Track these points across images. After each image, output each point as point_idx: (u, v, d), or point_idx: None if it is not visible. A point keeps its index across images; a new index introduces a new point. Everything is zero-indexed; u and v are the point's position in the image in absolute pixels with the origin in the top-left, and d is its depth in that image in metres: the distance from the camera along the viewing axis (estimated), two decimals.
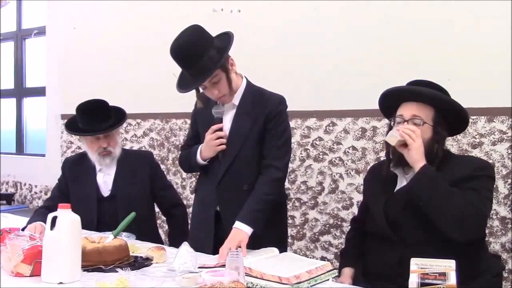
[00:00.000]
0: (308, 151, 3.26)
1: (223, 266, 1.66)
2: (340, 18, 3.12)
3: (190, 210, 2.58)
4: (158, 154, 3.91)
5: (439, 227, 1.78)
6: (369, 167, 2.43)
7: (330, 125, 3.19)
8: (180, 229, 2.70)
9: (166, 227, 3.01)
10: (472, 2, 2.73)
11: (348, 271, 2.03)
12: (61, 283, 1.66)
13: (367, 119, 3.06)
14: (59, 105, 4.47)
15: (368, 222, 2.06)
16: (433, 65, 2.79)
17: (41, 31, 4.89)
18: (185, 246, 1.81)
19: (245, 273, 1.61)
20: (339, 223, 3.16)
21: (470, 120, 2.02)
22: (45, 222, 1.78)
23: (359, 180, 3.05)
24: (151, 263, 1.94)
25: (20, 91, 5.27)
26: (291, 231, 3.27)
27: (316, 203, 3.24)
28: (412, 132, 1.84)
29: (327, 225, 3.20)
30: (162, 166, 3.44)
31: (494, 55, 2.69)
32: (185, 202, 3.13)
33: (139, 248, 2.10)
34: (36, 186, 4.88)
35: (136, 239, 2.29)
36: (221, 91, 2.10)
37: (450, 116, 1.93)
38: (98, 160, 2.62)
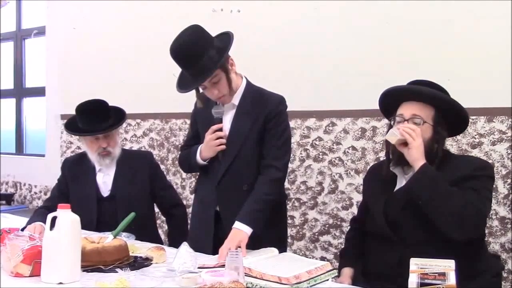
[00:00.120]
0: (307, 151, 3.26)
1: (223, 266, 1.66)
2: (340, 18, 3.12)
3: (190, 210, 2.58)
4: (157, 154, 3.91)
5: (438, 227, 1.78)
6: (368, 167, 2.43)
7: (330, 125, 3.19)
8: (180, 229, 2.70)
9: (166, 227, 3.01)
10: (472, 2, 2.73)
11: (347, 271, 2.03)
12: (60, 283, 1.66)
13: (366, 119, 3.06)
14: (59, 105, 4.47)
15: (367, 222, 2.06)
16: (433, 65, 2.79)
17: (40, 31, 4.89)
18: (185, 246, 1.81)
19: (245, 273, 1.61)
20: (338, 223, 3.16)
21: (470, 120, 2.02)
22: (44, 222, 1.78)
23: (359, 180, 3.05)
24: (151, 263, 1.94)
25: (20, 91, 5.27)
26: (290, 231, 3.27)
27: (315, 203, 3.24)
28: (412, 131, 1.84)
29: (327, 225, 3.20)
30: (162, 166, 3.43)
31: (494, 55, 2.69)
32: (185, 202, 3.13)
33: (139, 248, 2.10)
34: (35, 186, 4.88)
35: (135, 239, 2.29)
36: (221, 91, 2.10)
37: (450, 116, 1.93)
38: (98, 160, 2.61)
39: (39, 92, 4.90)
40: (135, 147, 4.04)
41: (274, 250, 2.03)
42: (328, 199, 3.19)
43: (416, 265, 1.47)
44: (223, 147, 2.15)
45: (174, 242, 2.38)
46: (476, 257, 1.86)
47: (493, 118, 2.73)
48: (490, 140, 2.74)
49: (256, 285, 1.65)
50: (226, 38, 2.09)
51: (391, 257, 1.86)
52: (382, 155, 2.94)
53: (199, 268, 1.78)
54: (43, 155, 4.82)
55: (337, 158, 3.16)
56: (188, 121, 2.66)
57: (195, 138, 2.32)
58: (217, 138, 2.14)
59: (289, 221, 3.22)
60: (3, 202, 4.82)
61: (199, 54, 1.99)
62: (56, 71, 4.54)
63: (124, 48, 4.05)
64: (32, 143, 5.23)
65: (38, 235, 1.99)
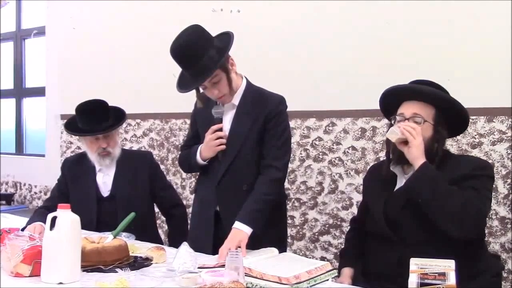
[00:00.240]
0: (307, 151, 3.26)
1: (223, 266, 1.66)
2: (340, 18, 3.12)
3: (190, 210, 2.58)
4: (157, 154, 3.91)
5: (438, 225, 1.78)
6: (368, 167, 2.43)
7: (330, 125, 3.19)
8: (180, 229, 2.70)
9: (166, 227, 3.01)
10: (472, 2, 2.73)
11: (347, 271, 2.03)
12: (60, 283, 1.66)
13: (366, 119, 3.06)
14: (59, 105, 4.47)
15: (367, 222, 2.06)
16: (433, 65, 2.79)
17: (40, 31, 4.89)
18: (185, 246, 1.81)
19: (245, 273, 1.61)
20: (338, 223, 3.16)
21: (470, 120, 2.02)
22: (44, 222, 1.78)
23: (359, 180, 3.04)
24: (151, 263, 1.94)
25: (20, 91, 5.27)
26: (290, 231, 3.27)
27: (315, 203, 3.24)
28: (413, 129, 1.85)
29: (327, 225, 3.20)
30: (162, 166, 3.43)
31: (494, 55, 2.69)
32: (185, 202, 3.13)
33: (139, 248, 2.10)
34: (35, 186, 4.87)
35: (135, 239, 2.29)
36: (221, 91, 2.10)
37: (450, 116, 1.93)
38: (98, 161, 2.61)
39: (39, 92, 4.90)
40: (135, 147, 4.04)
41: (274, 250, 2.03)
42: (328, 199, 3.19)
43: (416, 265, 1.47)
44: (223, 147, 2.15)
45: (174, 242, 2.38)
46: (476, 257, 1.86)
47: (493, 118, 2.73)
48: (490, 140, 2.74)
49: (256, 285, 1.65)
50: (226, 38, 2.09)
51: (391, 257, 1.86)
52: (382, 155, 2.94)
53: (199, 268, 1.78)
54: (43, 155, 4.82)
55: (337, 158, 3.16)
56: (188, 121, 2.66)
57: (195, 138, 2.32)
58: (217, 138, 2.14)
59: (289, 221, 3.22)
60: (3, 202, 4.82)
61: (199, 54, 1.99)
62: (56, 71, 4.54)
63: (124, 48, 4.05)
64: (32, 143, 5.23)
65: (38, 235, 1.99)
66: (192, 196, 2.56)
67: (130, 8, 4.01)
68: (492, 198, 1.97)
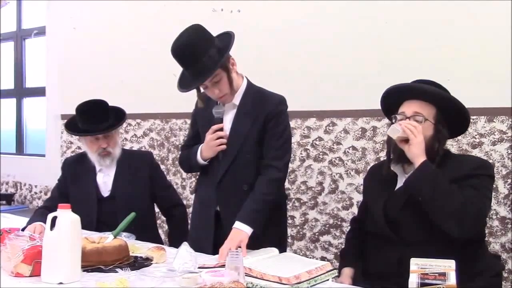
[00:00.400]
0: (308, 151, 3.26)
1: (223, 266, 1.66)
2: (340, 18, 3.12)
3: (190, 210, 2.58)
4: (158, 154, 3.91)
5: (438, 224, 1.78)
6: (369, 167, 2.43)
7: (330, 125, 3.19)
8: (180, 229, 2.70)
9: (166, 227, 3.01)
10: (472, 2, 2.73)
11: (348, 271, 2.03)
12: (61, 283, 1.66)
13: (367, 119, 3.07)
14: (59, 105, 4.47)
15: (368, 222, 2.06)
16: (433, 65, 2.79)
17: (41, 31, 4.89)
18: (185, 246, 1.81)
19: (245, 273, 1.61)
20: (339, 223, 3.16)
21: (470, 120, 2.02)
22: (45, 222, 1.78)
23: (359, 180, 3.05)
24: (151, 263, 1.94)
25: (20, 91, 5.27)
26: (291, 231, 3.27)
27: (316, 203, 3.24)
28: (414, 127, 1.85)
29: (327, 225, 3.20)
30: (162, 166, 3.44)
31: (494, 55, 2.69)
32: (185, 202, 3.13)
33: (139, 248, 2.10)
34: (36, 186, 4.88)
35: (136, 239, 2.29)
36: (222, 91, 2.10)
37: (451, 116, 1.93)
38: (98, 161, 2.61)
39: (39, 92, 4.90)
40: (136, 147, 4.04)
41: (274, 250, 2.03)
42: (328, 199, 3.19)
43: (417, 265, 1.47)
44: (224, 147, 2.15)
45: (174, 242, 2.38)
46: (476, 257, 1.86)
47: (493, 118, 2.73)
48: (491, 140, 2.74)
49: (256, 285, 1.65)
50: (227, 38, 2.09)
51: (391, 257, 1.86)
52: (382, 155, 2.94)
53: (199, 268, 1.78)
54: (43, 155, 4.82)
55: (337, 158, 3.16)
56: (188, 121, 2.66)
57: (195, 138, 2.32)
58: (218, 138, 2.14)
59: (290, 221, 3.22)
60: (3, 202, 4.82)
61: (200, 54, 1.99)
62: (56, 71, 4.54)
63: (124, 48, 4.05)
64: (32, 143, 5.23)
65: (38, 235, 1.99)
66: (192, 196, 2.56)
67: (130, 8, 4.01)
68: (492, 198, 1.97)
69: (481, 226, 1.93)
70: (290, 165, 2.52)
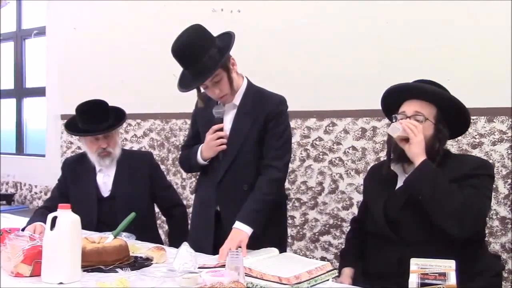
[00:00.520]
0: (308, 151, 3.26)
1: (223, 266, 1.66)
2: (340, 18, 3.12)
3: (190, 210, 2.58)
4: (158, 154, 3.91)
5: (438, 223, 1.78)
6: (369, 167, 2.43)
7: (330, 125, 3.19)
8: (180, 229, 2.70)
9: (166, 227, 3.01)
10: (472, 2, 2.73)
11: (348, 271, 2.03)
12: (61, 283, 1.66)
13: (367, 119, 3.07)
14: (59, 106, 4.47)
15: (368, 222, 2.06)
16: (433, 65, 2.79)
17: (41, 31, 4.89)
18: (185, 246, 1.81)
19: (245, 273, 1.61)
20: (339, 223, 3.16)
21: (471, 121, 2.02)
22: (45, 223, 1.78)
23: (359, 180, 3.05)
24: (151, 263, 1.94)
25: (20, 92, 5.27)
26: (291, 231, 3.27)
27: (316, 203, 3.24)
28: (414, 127, 1.85)
29: (327, 225, 3.20)
30: (162, 167, 3.43)
31: (494, 55, 2.69)
32: (185, 202, 3.13)
33: (139, 248, 2.10)
34: (36, 187, 4.87)
35: (136, 239, 2.29)
36: (222, 91, 2.10)
37: (452, 115, 1.93)
38: (98, 161, 2.61)
39: (39, 92, 4.90)
40: (136, 147, 4.04)
41: (274, 250, 2.03)
42: (328, 199, 3.19)
43: (417, 265, 1.47)
44: (224, 147, 2.15)
45: (175, 242, 2.38)
46: (476, 257, 1.86)
47: (493, 118, 2.73)
48: (491, 140, 2.74)
49: (257, 285, 1.65)
50: (227, 38, 2.09)
51: (391, 257, 1.86)
52: (382, 155, 2.94)
53: (199, 268, 1.78)
54: (43, 155, 4.82)
55: (338, 158, 3.16)
56: (189, 121, 2.66)
57: (195, 138, 2.32)
58: (218, 138, 2.15)
59: (290, 221, 3.22)
60: (3, 202, 4.82)
61: (200, 54, 1.99)
62: (56, 71, 4.54)
63: (124, 48, 4.05)
64: (32, 143, 5.23)
65: (38, 235, 1.99)
66: (193, 196, 2.56)
67: (130, 8, 4.01)
68: (492, 198, 1.97)
69: (481, 226, 1.93)
70: (290, 165, 2.52)
